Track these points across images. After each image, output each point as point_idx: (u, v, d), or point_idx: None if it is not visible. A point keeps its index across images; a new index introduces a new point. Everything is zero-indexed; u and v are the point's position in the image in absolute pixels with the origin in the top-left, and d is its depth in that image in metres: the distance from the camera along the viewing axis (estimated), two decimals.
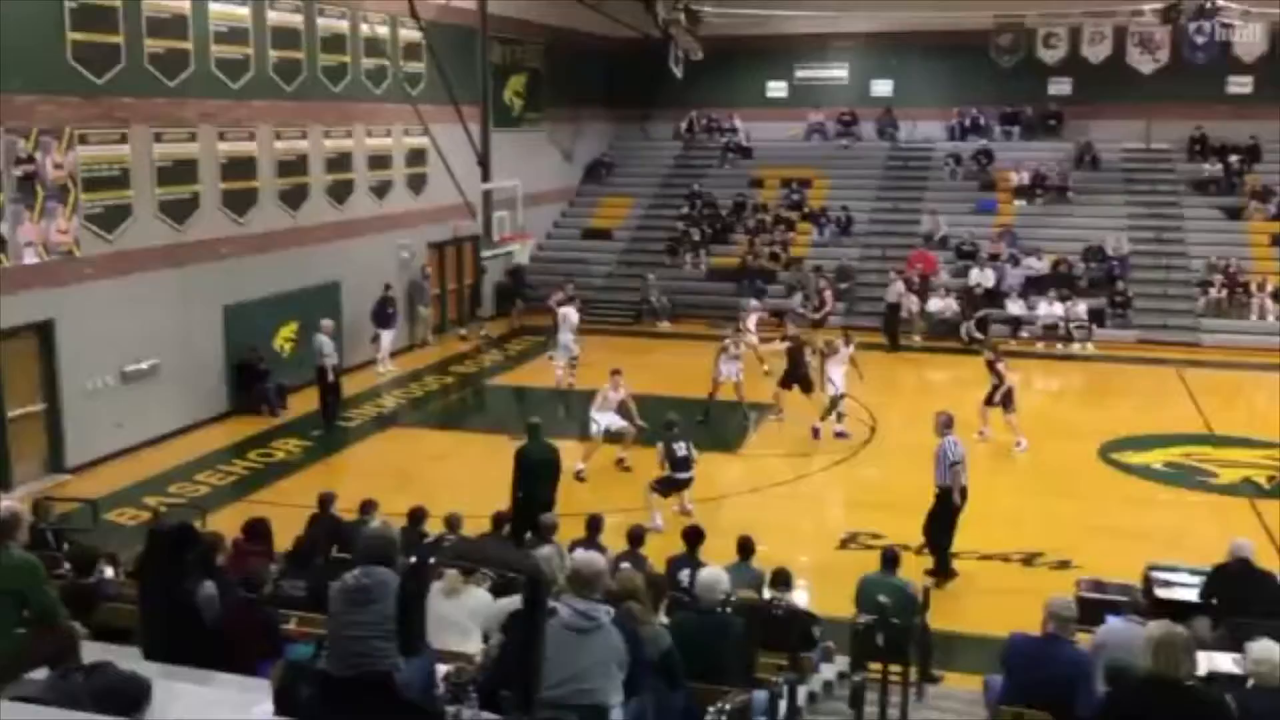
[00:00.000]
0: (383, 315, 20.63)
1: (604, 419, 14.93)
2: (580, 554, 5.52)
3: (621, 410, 15.02)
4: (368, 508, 10.15)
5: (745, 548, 9.20)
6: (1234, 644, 7.45)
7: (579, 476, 14.37)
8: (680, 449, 12.84)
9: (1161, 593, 8.90)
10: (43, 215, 14.14)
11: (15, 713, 4.06)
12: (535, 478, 11.52)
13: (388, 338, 20.78)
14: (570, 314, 19.40)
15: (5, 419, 14.00)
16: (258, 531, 9.04)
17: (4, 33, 13.39)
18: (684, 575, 8.91)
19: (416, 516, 9.95)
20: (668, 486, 12.92)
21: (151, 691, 4.79)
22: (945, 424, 11.67)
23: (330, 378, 17.19)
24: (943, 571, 11.30)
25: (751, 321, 20.00)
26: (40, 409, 14.56)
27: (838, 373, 16.45)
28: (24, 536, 5.32)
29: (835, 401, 16.40)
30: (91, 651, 5.25)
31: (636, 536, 9.52)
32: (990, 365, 16.33)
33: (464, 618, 7.02)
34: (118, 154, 15.34)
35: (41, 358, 14.52)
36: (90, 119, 14.83)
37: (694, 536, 9.35)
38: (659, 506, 12.78)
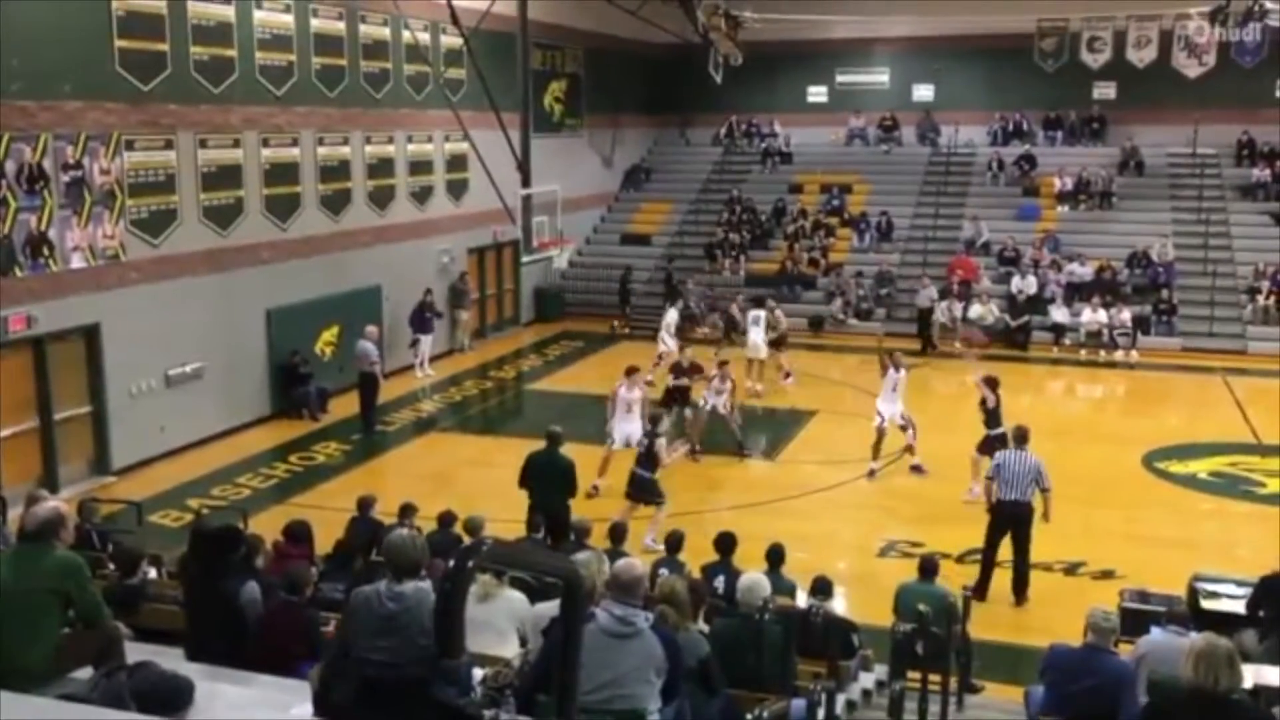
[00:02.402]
0: (421, 320, 20.77)
1: (622, 429, 13.92)
2: (621, 560, 5.50)
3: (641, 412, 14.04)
4: (406, 511, 10.21)
5: (774, 557, 9.06)
6: None
7: (591, 493, 13.61)
8: (640, 446, 12.69)
9: (1207, 604, 8.77)
10: (90, 220, 14.35)
11: (59, 711, 4.11)
12: (536, 483, 11.46)
13: (426, 343, 20.92)
14: (669, 314, 20.13)
15: (52, 421, 14.23)
16: (298, 534, 9.11)
17: (53, 40, 13.63)
18: (719, 582, 8.91)
19: (446, 520, 10.00)
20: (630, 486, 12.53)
21: (193, 691, 4.83)
22: (1019, 438, 11.41)
23: (380, 379, 17.48)
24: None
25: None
26: (86, 411, 14.77)
27: (886, 405, 14.98)
28: (69, 536, 5.37)
29: (880, 434, 14.92)
30: (135, 652, 5.30)
31: (674, 542, 9.51)
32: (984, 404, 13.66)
33: (500, 621, 7.03)
34: (163, 160, 15.55)
35: (88, 361, 14.74)
36: (136, 125, 15.04)
37: (728, 543, 9.29)
38: (629, 514, 12.12)
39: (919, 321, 23.21)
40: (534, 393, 20.39)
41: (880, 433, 14.92)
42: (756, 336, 19.25)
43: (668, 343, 19.84)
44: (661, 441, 12.66)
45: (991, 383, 13.71)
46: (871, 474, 14.93)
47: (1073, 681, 6.27)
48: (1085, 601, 7.02)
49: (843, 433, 16.49)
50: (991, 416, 13.62)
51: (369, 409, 17.39)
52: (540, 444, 11.84)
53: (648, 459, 12.50)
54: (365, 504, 10.56)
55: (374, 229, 20.22)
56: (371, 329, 17.75)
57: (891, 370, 15.00)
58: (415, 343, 20.80)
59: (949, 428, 17.01)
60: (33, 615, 4.93)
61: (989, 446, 13.08)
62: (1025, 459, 11.06)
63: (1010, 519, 10.98)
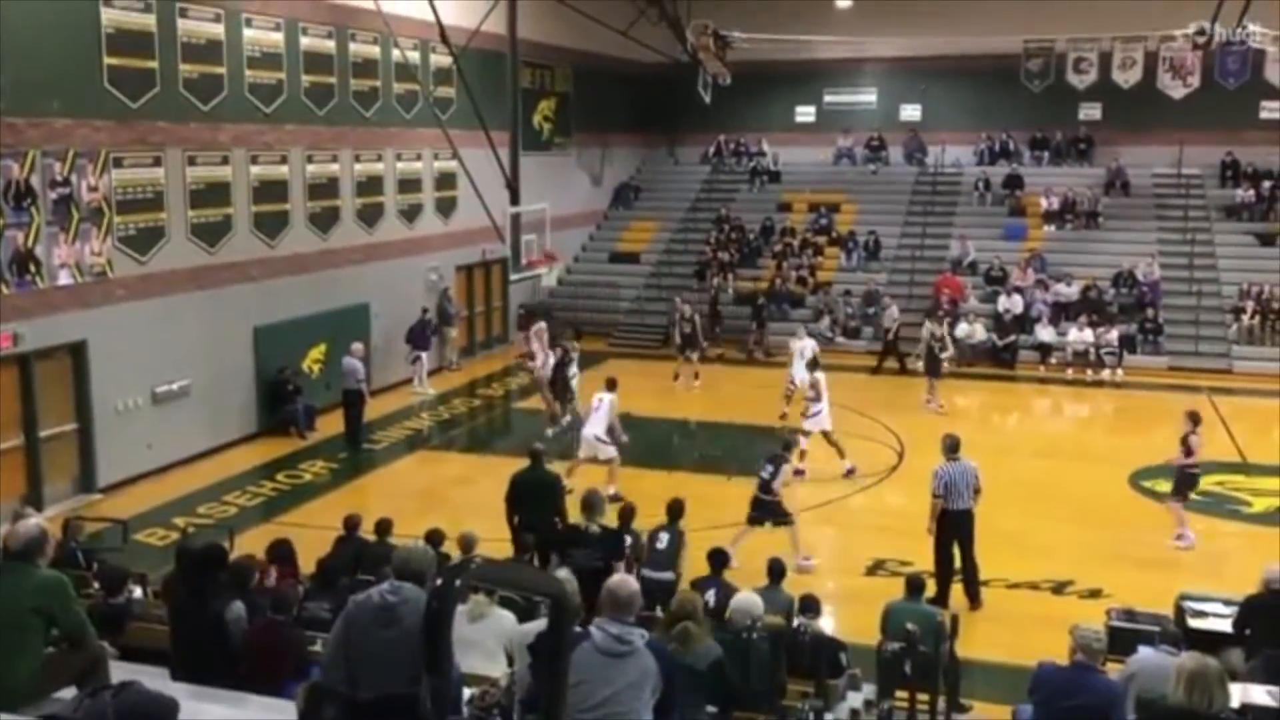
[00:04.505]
0: (423, 337, 20.87)
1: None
2: (615, 576, 5.45)
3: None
4: (384, 528, 10.22)
5: (775, 571, 9.16)
6: (1268, 676, 7.34)
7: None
8: (764, 470, 12.49)
9: (1194, 623, 8.79)
10: (77, 237, 14.32)
11: None
12: (524, 502, 11.40)
13: (425, 359, 20.99)
14: (805, 346, 19.08)
15: (38, 438, 14.16)
16: (281, 553, 9.06)
17: (42, 58, 13.63)
18: (710, 596, 8.92)
19: (434, 539, 9.98)
20: (751, 509, 12.54)
21: (178, 711, 4.80)
22: (951, 447, 11.60)
23: (365, 399, 17.45)
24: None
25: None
26: (72, 429, 14.71)
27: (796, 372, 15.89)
28: (50, 553, 5.33)
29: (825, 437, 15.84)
30: (119, 671, 5.27)
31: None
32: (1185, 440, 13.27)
33: (489, 640, 7.01)
34: (151, 177, 15.53)
35: (74, 378, 14.68)
36: (125, 142, 15.03)
37: (719, 558, 9.36)
38: (746, 537, 12.29)
39: (885, 343, 23.03)
40: (522, 411, 20.35)
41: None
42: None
43: (799, 376, 18.29)
44: (787, 467, 12.55)
45: (1195, 418, 13.43)
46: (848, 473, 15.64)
47: (1061, 700, 6.26)
48: (1073, 620, 7.01)
49: (831, 451, 16.46)
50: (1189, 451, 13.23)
51: (354, 426, 17.37)
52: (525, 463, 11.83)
53: (769, 486, 12.37)
54: (352, 523, 10.53)
55: (363, 247, 20.22)
56: (357, 346, 17.73)
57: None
58: (417, 359, 20.84)
59: (937, 446, 17.02)
60: (15, 635, 4.90)
61: (1187, 485, 13.24)
62: (963, 467, 11.36)
63: (956, 527, 11.28)
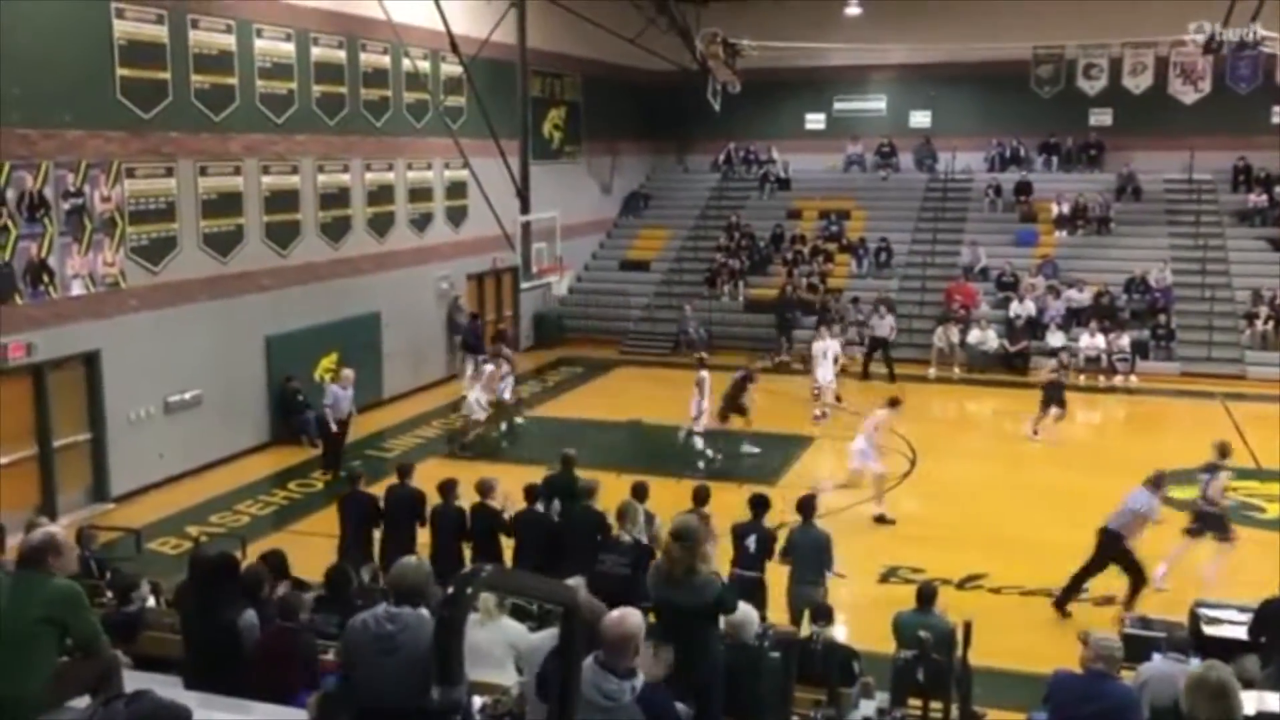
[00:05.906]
0: (476, 341, 21.02)
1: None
2: (615, 611, 4.79)
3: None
4: (448, 487, 10.73)
5: (806, 507, 10.13)
6: None
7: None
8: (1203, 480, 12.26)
9: (1209, 630, 8.75)
10: (90, 248, 14.39)
11: None
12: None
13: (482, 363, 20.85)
14: (826, 347, 19.40)
15: (52, 448, 14.22)
16: (274, 563, 9.00)
17: (55, 69, 13.71)
18: (750, 542, 9.56)
19: (484, 489, 10.34)
20: (1191, 520, 12.25)
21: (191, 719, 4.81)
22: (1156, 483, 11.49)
23: (334, 428, 16.38)
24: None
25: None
26: (85, 438, 14.77)
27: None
28: (70, 564, 5.29)
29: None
30: (132, 680, 5.27)
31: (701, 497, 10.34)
32: None
33: (499, 649, 7.00)
34: (164, 187, 15.61)
35: (87, 388, 14.75)
36: (137, 153, 15.10)
37: (760, 503, 9.97)
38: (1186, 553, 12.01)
39: (869, 348, 23.10)
40: (533, 419, 20.34)
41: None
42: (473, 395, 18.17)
43: (824, 376, 19.23)
44: (1224, 475, 12.33)
45: None
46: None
47: (1078, 708, 6.22)
48: (1087, 627, 6.99)
49: (843, 458, 16.41)
50: None
51: (329, 450, 16.53)
52: (538, 471, 11.85)
53: (1208, 495, 12.23)
54: (404, 471, 10.94)
55: (373, 256, 20.27)
56: (347, 373, 16.81)
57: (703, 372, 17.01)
58: (498, 363, 20.60)
59: (950, 453, 17.01)
60: (27, 644, 4.89)
61: None
62: (1136, 494, 11.39)
63: (1099, 541, 11.26)
